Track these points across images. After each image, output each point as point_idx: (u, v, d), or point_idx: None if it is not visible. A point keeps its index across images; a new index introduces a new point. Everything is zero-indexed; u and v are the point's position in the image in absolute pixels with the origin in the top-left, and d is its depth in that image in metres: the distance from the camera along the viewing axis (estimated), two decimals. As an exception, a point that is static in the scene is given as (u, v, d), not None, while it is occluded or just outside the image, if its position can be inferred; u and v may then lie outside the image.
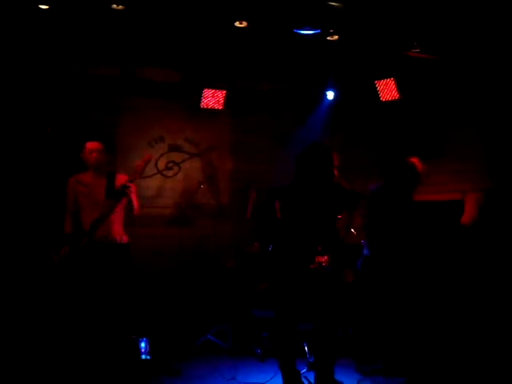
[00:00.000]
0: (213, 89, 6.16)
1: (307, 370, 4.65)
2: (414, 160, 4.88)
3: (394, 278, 4.79)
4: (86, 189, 4.83)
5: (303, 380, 4.32)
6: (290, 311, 4.22)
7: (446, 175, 5.78)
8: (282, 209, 4.32)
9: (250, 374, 4.85)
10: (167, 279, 6.08)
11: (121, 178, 4.83)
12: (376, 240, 4.86)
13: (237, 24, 4.87)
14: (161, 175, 6.27)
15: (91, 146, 4.89)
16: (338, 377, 4.32)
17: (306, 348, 4.92)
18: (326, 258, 4.10)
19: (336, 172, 4.36)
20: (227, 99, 6.22)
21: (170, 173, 6.32)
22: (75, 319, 4.61)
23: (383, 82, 5.94)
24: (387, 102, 6.00)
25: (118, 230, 4.83)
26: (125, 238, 4.86)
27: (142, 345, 4.75)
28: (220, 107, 6.23)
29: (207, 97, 6.15)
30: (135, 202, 4.79)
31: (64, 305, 4.72)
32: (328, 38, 5.09)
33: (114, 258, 4.74)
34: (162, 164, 6.29)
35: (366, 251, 4.97)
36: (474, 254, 5.12)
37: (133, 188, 4.73)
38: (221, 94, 6.20)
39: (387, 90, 5.91)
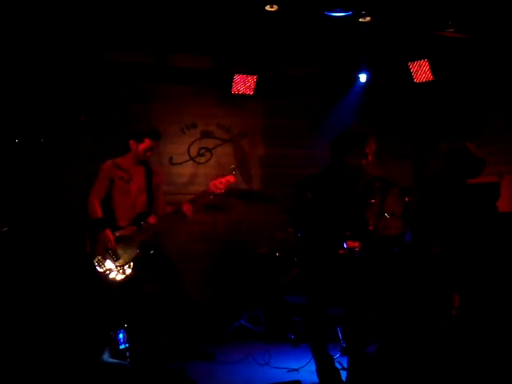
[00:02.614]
0: (243, 74, 6.13)
1: (340, 355, 4.64)
2: (471, 146, 4.70)
3: (436, 266, 4.71)
4: (126, 174, 4.72)
5: (336, 365, 4.32)
6: (319, 296, 4.21)
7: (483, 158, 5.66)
8: (313, 195, 4.30)
9: (283, 359, 4.85)
10: (201, 264, 6.13)
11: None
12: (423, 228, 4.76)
13: (267, 8, 4.84)
14: (193, 162, 6.32)
15: (151, 144, 4.73)
16: (372, 362, 4.30)
17: (340, 333, 4.90)
18: (357, 243, 4.07)
19: (370, 158, 4.30)
20: (258, 84, 6.19)
21: (203, 159, 6.36)
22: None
23: (416, 63, 5.84)
24: (421, 84, 5.89)
25: None
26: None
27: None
28: (251, 92, 6.20)
29: (238, 82, 6.12)
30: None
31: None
32: (360, 20, 5.01)
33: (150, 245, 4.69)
34: (194, 151, 6.33)
35: (408, 237, 4.89)
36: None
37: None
38: (251, 80, 6.16)
39: (421, 71, 5.80)
